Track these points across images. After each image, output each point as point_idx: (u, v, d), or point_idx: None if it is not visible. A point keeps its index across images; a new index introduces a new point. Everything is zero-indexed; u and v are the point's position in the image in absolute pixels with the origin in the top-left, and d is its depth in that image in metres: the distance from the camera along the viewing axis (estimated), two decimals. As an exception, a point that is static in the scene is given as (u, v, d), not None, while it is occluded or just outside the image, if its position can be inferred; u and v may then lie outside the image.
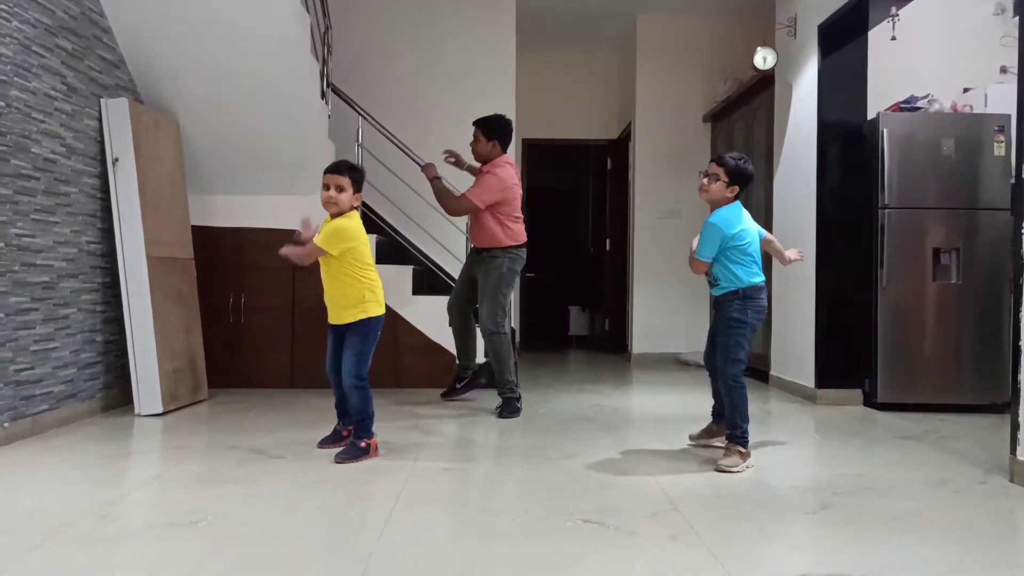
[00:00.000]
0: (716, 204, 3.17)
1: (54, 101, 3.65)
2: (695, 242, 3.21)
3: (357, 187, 3.17)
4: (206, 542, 2.18)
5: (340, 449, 3.18)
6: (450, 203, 4.26)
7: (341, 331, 3.22)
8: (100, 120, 4.03)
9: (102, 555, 2.11)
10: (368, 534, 2.25)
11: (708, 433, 3.43)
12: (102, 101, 4.03)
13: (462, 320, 4.50)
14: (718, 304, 3.24)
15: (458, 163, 4.51)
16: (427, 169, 4.41)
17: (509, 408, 4.17)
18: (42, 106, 3.56)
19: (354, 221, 3.17)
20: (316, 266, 3.26)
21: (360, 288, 3.17)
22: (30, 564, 2.01)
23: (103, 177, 4.06)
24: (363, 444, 3.16)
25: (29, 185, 3.48)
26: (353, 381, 3.15)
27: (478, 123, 4.34)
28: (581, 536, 2.25)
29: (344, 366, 3.16)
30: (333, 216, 3.16)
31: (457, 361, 4.61)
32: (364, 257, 3.18)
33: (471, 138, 4.38)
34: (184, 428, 3.82)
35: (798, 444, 3.66)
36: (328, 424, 3.45)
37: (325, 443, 3.32)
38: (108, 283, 4.12)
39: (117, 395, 4.21)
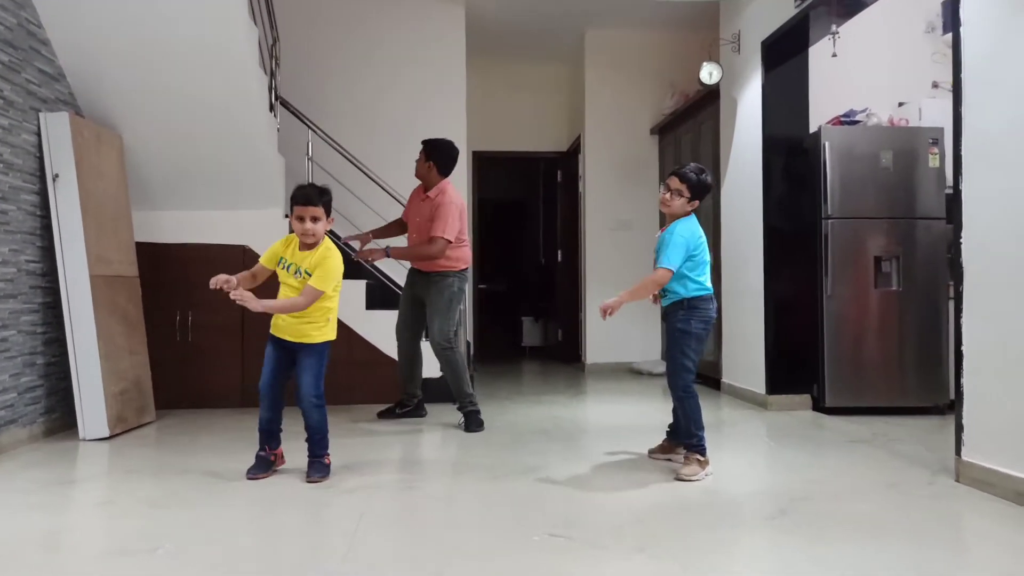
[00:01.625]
0: (675, 217, 3.22)
1: (-10, 115, 3.51)
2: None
3: (328, 211, 3.08)
4: (166, 570, 2.11)
5: (308, 470, 3.09)
6: (428, 252, 4.17)
7: (291, 348, 3.12)
8: (39, 135, 3.89)
9: (54, 589, 2.03)
10: (333, 555, 2.21)
11: (663, 450, 3.44)
12: (41, 115, 3.90)
13: (413, 345, 4.43)
14: (665, 315, 3.28)
15: (365, 243, 4.36)
16: (370, 254, 4.22)
17: (474, 422, 4.16)
18: (-22, 120, 3.42)
19: (336, 252, 3.09)
20: (270, 280, 3.18)
21: (326, 312, 3.10)
22: (-24, 602, 1.92)
23: (43, 194, 3.92)
24: (327, 460, 3.11)
25: (-36, 203, 3.34)
26: (313, 400, 3.08)
27: (425, 143, 4.34)
28: (550, 551, 2.25)
29: (303, 387, 3.08)
30: (309, 247, 3.06)
31: (402, 387, 4.49)
32: (338, 291, 3.14)
33: (418, 153, 4.37)
34: (132, 452, 3.69)
35: (753, 450, 3.74)
36: (294, 446, 3.32)
37: (256, 473, 3.08)
38: (49, 303, 3.98)
39: (60, 419, 4.05)
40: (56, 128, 3.89)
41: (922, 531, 2.44)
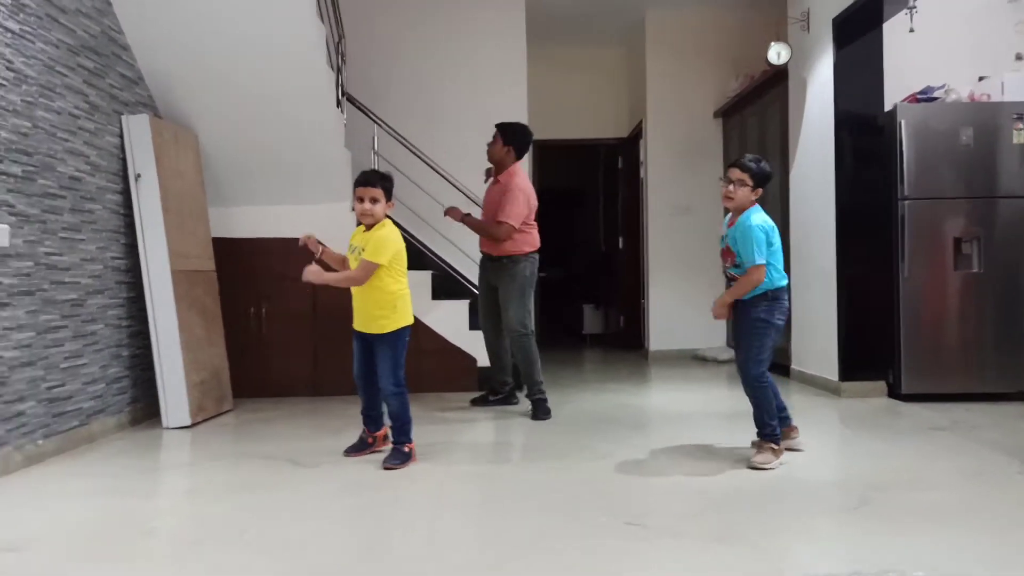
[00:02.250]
0: (741, 209, 3.16)
1: (77, 120, 3.67)
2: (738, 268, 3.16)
3: (388, 196, 3.19)
4: (254, 553, 2.20)
5: (385, 456, 3.18)
6: (494, 233, 4.25)
7: (369, 339, 3.23)
8: (121, 136, 4.05)
9: (156, 571, 2.13)
10: (413, 538, 2.27)
11: (785, 435, 3.26)
12: (123, 118, 4.05)
13: (497, 334, 4.47)
14: (743, 305, 3.19)
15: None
16: (452, 213, 4.39)
17: (541, 410, 4.20)
18: (66, 125, 3.58)
19: (393, 229, 3.20)
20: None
21: (392, 298, 3.18)
22: (84, 582, 2.04)
23: (126, 193, 4.09)
24: (407, 448, 3.18)
25: (56, 204, 3.50)
26: (392, 388, 3.17)
27: (500, 126, 4.37)
28: (626, 538, 2.26)
29: (381, 376, 3.18)
30: (368, 227, 3.17)
31: (493, 375, 4.56)
32: (403, 264, 3.22)
33: (487, 140, 4.40)
34: (214, 440, 3.84)
35: (828, 438, 3.66)
36: (355, 430, 3.44)
37: (352, 451, 3.32)
38: (133, 297, 4.15)
39: (144, 408, 4.24)
40: (137, 130, 4.05)
41: (1012, 521, 2.36)
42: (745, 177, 3.12)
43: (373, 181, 3.16)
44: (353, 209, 3.33)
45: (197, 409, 4.15)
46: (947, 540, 2.19)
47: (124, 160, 4.07)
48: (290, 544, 2.27)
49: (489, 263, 4.39)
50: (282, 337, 4.99)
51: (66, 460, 3.36)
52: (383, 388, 3.19)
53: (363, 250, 3.14)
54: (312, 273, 3.11)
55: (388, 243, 3.14)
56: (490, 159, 4.42)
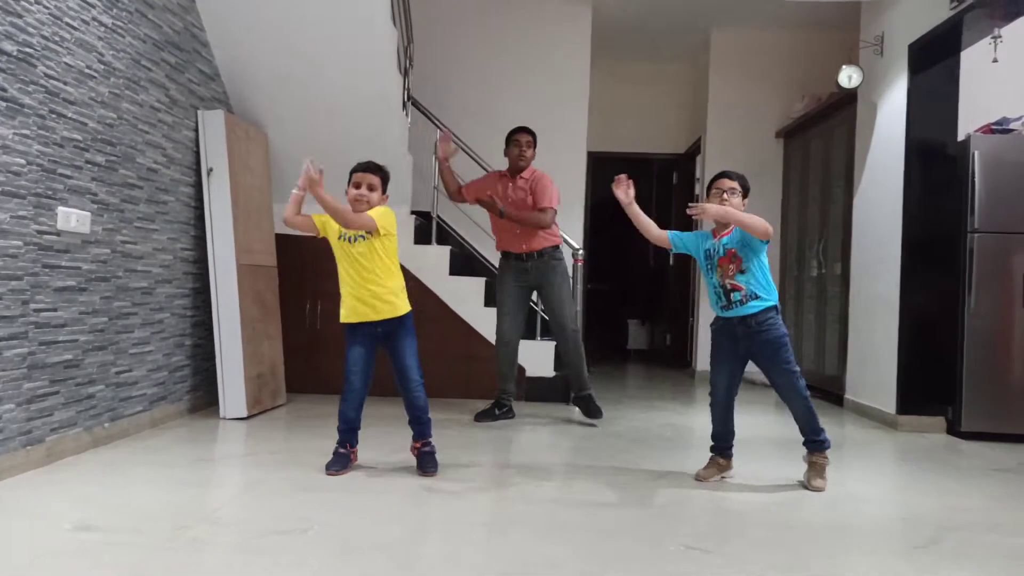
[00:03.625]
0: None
1: (158, 113, 3.77)
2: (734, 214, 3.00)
3: (384, 187, 3.13)
4: (319, 550, 2.22)
5: (426, 466, 3.11)
6: (542, 220, 4.27)
7: (379, 331, 3.07)
8: (196, 131, 4.15)
9: (228, 560, 2.17)
10: (475, 552, 2.27)
11: (719, 468, 3.20)
12: (199, 113, 4.15)
13: (515, 347, 4.44)
14: (755, 324, 3.03)
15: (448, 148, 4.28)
16: (491, 206, 4.27)
17: (594, 407, 4.33)
18: (148, 118, 3.68)
19: (390, 209, 3.12)
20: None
21: (401, 278, 3.12)
22: (161, 565, 2.07)
23: (197, 186, 4.18)
24: (433, 444, 3.15)
25: (134, 194, 3.60)
26: (420, 380, 3.11)
27: (531, 131, 4.43)
28: (689, 562, 2.23)
29: (409, 371, 3.09)
30: (360, 213, 3.03)
31: (502, 386, 4.42)
32: (396, 252, 3.12)
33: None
34: (269, 433, 3.90)
35: (889, 474, 3.59)
36: (403, 432, 3.36)
37: (338, 469, 3.06)
38: (198, 288, 4.24)
39: (203, 397, 4.32)
40: (212, 125, 4.14)
41: (1091, 573, 2.29)
42: (736, 185, 3.09)
43: (373, 168, 3.11)
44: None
45: (253, 402, 4.22)
46: (1024, 587, 2.13)
47: (198, 154, 4.17)
48: (352, 545, 2.29)
49: (526, 261, 4.32)
50: (335, 335, 4.97)
51: (130, 444, 3.44)
52: (411, 380, 3.08)
53: (359, 236, 3.01)
54: (311, 178, 2.87)
55: (389, 216, 3.06)
56: (523, 163, 4.37)
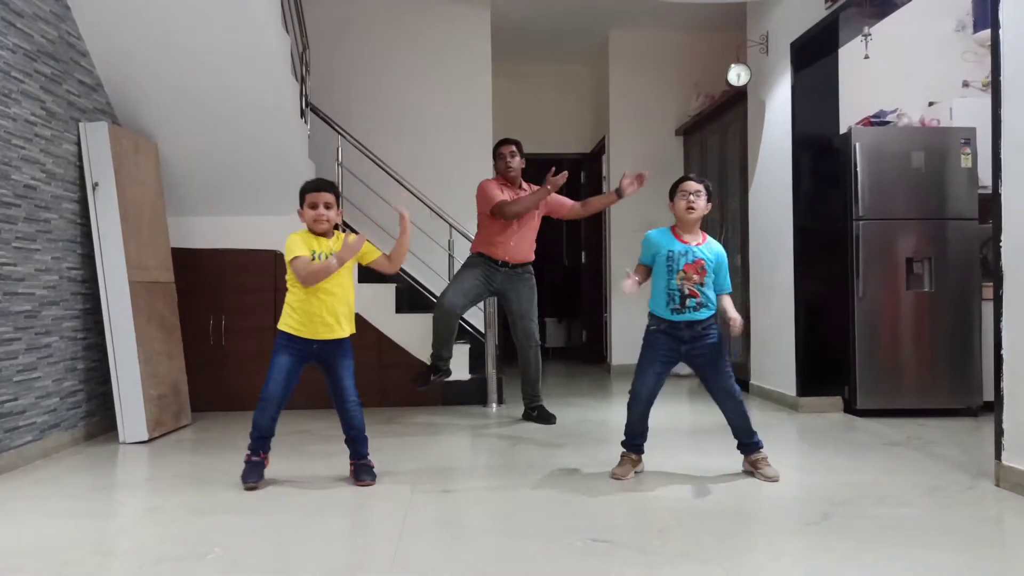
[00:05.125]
0: (696, 223, 3.20)
1: (34, 127, 3.58)
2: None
3: (338, 203, 3.14)
4: (220, 575, 2.15)
5: (362, 476, 3.10)
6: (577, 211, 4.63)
7: (320, 350, 3.06)
8: (79, 144, 3.96)
9: (114, 594, 2.08)
10: (381, 561, 2.25)
11: (632, 464, 3.24)
12: (81, 125, 3.97)
13: (456, 321, 4.46)
14: (700, 329, 3.12)
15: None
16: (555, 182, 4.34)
17: (547, 412, 4.47)
18: (22, 132, 3.49)
19: None
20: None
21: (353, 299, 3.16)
22: (41, 606, 1.97)
23: (83, 202, 3.99)
24: (369, 460, 3.15)
25: (10, 212, 3.40)
26: (357, 401, 3.13)
27: (517, 143, 4.56)
28: (595, 556, 2.27)
29: (347, 391, 3.11)
30: (321, 233, 3.09)
31: (440, 353, 4.44)
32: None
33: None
34: (173, 456, 3.76)
35: (787, 453, 3.73)
36: (315, 446, 3.36)
37: (256, 481, 3.04)
38: (88, 309, 4.05)
39: (100, 423, 4.12)
40: (96, 138, 3.96)
41: (969, 536, 2.44)
42: (701, 188, 3.20)
43: (325, 187, 3.09)
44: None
45: (155, 424, 4.06)
46: (907, 555, 2.25)
47: (81, 168, 3.98)
48: (256, 566, 2.23)
49: (506, 269, 4.39)
50: (241, 350, 4.91)
51: (20, 477, 3.26)
52: (349, 400, 3.10)
53: (329, 253, 3.03)
54: (351, 248, 2.97)
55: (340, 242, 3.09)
56: (515, 174, 4.50)
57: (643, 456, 3.30)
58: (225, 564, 2.23)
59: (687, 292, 3.10)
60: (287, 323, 3.09)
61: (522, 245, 4.42)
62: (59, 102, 3.80)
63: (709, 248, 3.18)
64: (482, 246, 4.44)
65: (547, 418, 4.46)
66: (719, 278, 3.16)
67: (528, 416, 4.55)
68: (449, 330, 4.42)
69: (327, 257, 3.02)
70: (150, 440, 3.99)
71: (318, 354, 3.10)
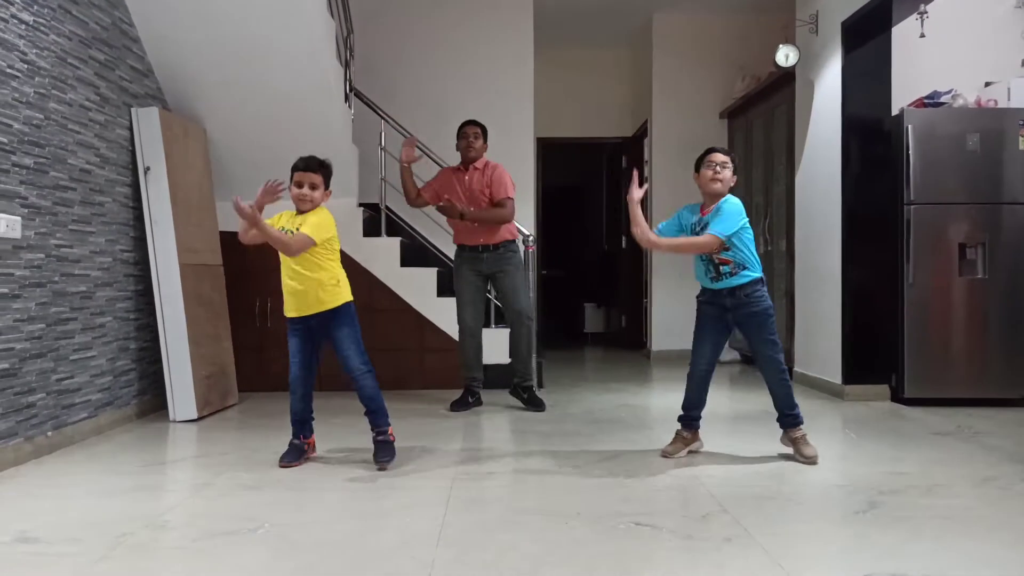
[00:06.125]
0: (721, 194, 3.17)
1: (88, 112, 3.67)
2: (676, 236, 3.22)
3: (327, 184, 3.14)
4: (269, 550, 2.21)
5: (379, 455, 3.12)
6: (504, 215, 4.33)
7: (317, 324, 3.12)
8: (131, 129, 4.05)
9: (170, 565, 2.14)
10: (426, 540, 2.28)
11: (684, 443, 3.28)
12: (133, 110, 4.05)
13: (479, 336, 4.51)
14: (743, 296, 3.15)
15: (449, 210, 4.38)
16: (450, 210, 4.31)
17: (535, 397, 4.43)
18: (78, 117, 3.58)
19: (330, 216, 3.13)
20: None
21: (334, 271, 3.14)
22: (101, 574, 2.04)
23: (135, 186, 4.09)
24: (391, 436, 3.16)
25: (67, 196, 3.50)
26: (363, 367, 3.12)
27: (479, 124, 4.49)
28: (638, 539, 2.27)
29: (349, 360, 3.11)
30: (301, 212, 3.09)
31: (468, 373, 4.47)
32: (336, 249, 3.18)
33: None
34: (221, 434, 3.85)
35: (833, 441, 3.68)
36: (358, 426, 3.39)
37: (290, 461, 3.12)
38: (141, 291, 4.15)
39: (151, 401, 4.24)
40: (147, 123, 4.05)
41: (1020, 528, 2.38)
42: (727, 159, 3.18)
43: (314, 167, 3.11)
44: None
45: (203, 403, 4.16)
46: (955, 546, 2.21)
47: (133, 153, 4.08)
48: (303, 542, 2.28)
49: (482, 253, 4.37)
50: (286, 332, 4.97)
51: (75, 452, 3.37)
52: (353, 370, 3.11)
53: (295, 230, 3.05)
54: (249, 212, 2.91)
55: (326, 224, 3.08)
56: (474, 155, 4.43)
57: (699, 434, 3.33)
58: (274, 539, 2.29)
59: (717, 261, 3.15)
60: (285, 306, 3.18)
61: (475, 228, 4.35)
62: (112, 88, 3.89)
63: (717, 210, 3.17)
64: (457, 237, 4.48)
65: (537, 404, 4.37)
66: (713, 223, 3.10)
67: (516, 394, 4.48)
68: (474, 348, 4.47)
69: (289, 232, 3.05)
70: (199, 419, 4.09)
71: (317, 329, 3.15)
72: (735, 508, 2.55)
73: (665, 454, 3.25)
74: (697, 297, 3.31)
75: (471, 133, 4.44)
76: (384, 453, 3.13)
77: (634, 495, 2.74)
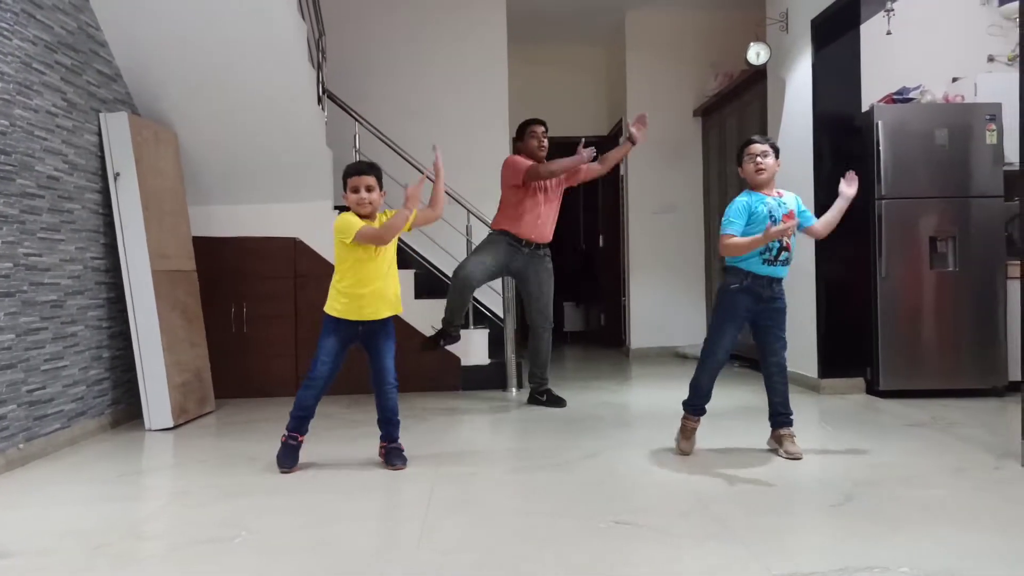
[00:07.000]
0: (769, 181, 3.19)
1: (55, 118, 3.61)
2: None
3: (380, 184, 3.11)
4: (250, 556, 2.19)
5: (393, 460, 3.12)
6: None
7: (366, 330, 3.08)
8: (100, 135, 3.99)
9: (150, 575, 2.12)
10: (408, 542, 2.27)
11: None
12: (101, 116, 3.99)
13: (472, 293, 4.48)
14: (778, 289, 3.19)
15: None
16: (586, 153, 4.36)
17: (555, 396, 4.49)
18: (44, 123, 3.52)
19: None
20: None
21: None
22: (76, 589, 2.01)
23: (105, 192, 4.03)
24: (400, 443, 3.18)
25: (34, 204, 3.44)
26: (394, 382, 3.14)
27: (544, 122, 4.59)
28: (620, 537, 2.28)
29: (386, 372, 3.11)
30: (365, 216, 3.06)
31: (453, 320, 4.43)
32: None
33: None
34: (198, 441, 3.80)
35: (810, 434, 3.71)
36: (342, 431, 3.40)
37: (292, 465, 3.10)
38: (113, 298, 4.09)
39: (126, 410, 4.18)
40: (116, 128, 3.99)
41: (997, 517, 2.42)
42: (768, 148, 3.19)
43: (365, 169, 3.08)
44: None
45: (179, 411, 4.11)
46: (931, 536, 2.24)
47: (103, 159, 4.01)
48: (283, 548, 2.26)
49: (528, 250, 4.41)
50: (263, 337, 4.95)
51: (49, 464, 3.31)
52: (387, 382, 3.10)
53: None
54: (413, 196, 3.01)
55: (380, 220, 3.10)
56: (544, 153, 4.51)
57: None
58: (254, 546, 2.26)
59: (783, 244, 3.14)
60: (333, 307, 3.10)
61: (547, 222, 4.43)
62: (80, 93, 3.82)
63: (789, 198, 3.24)
64: (507, 223, 4.43)
65: (557, 402, 4.47)
66: (805, 215, 3.26)
67: (535, 400, 4.52)
68: (463, 301, 4.44)
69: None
70: (175, 427, 4.04)
71: (363, 335, 3.12)
72: (716, 504, 2.57)
73: (683, 452, 3.24)
74: (730, 285, 3.18)
75: (539, 132, 4.50)
76: (399, 458, 3.13)
77: (616, 493, 2.75)
